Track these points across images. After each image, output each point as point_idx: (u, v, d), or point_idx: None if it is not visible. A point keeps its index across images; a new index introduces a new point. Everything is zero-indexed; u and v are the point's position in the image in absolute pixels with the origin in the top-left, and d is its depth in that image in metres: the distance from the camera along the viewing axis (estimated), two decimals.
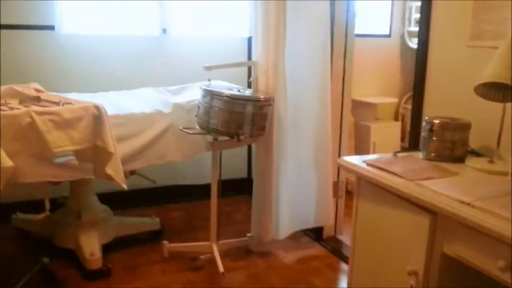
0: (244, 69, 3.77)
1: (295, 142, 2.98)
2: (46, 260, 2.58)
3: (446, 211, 1.51)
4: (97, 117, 2.31)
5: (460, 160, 1.95)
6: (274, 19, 2.74)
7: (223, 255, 2.82)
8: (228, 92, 2.58)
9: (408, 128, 3.91)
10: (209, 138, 2.71)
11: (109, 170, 2.33)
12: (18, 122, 2.13)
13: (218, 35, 3.72)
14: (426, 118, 2.04)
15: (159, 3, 3.47)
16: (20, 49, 3.20)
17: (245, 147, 3.93)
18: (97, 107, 2.32)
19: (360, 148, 4.33)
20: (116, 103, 2.77)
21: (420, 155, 2.05)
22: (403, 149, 2.77)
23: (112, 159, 2.33)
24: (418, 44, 2.40)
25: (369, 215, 1.94)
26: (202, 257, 2.84)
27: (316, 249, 3.14)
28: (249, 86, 3.16)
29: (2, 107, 2.19)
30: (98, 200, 2.96)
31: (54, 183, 2.52)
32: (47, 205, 2.46)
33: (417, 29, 2.51)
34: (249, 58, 3.65)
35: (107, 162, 2.33)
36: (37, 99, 2.38)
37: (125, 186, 2.40)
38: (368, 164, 1.91)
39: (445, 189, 1.61)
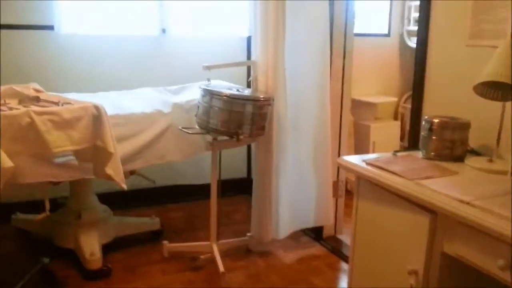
0: (244, 69, 3.77)
1: (295, 141, 2.98)
2: (46, 260, 2.58)
3: (445, 210, 1.51)
4: (97, 117, 2.31)
5: (459, 159, 1.95)
6: (273, 19, 2.74)
7: (223, 255, 2.82)
8: (228, 92, 2.58)
9: (407, 127, 3.91)
10: (209, 138, 2.71)
11: (109, 170, 2.33)
12: (17, 122, 2.13)
13: (218, 35, 3.72)
14: (426, 117, 2.04)
15: (159, 3, 3.47)
16: (19, 49, 3.20)
17: (245, 147, 3.93)
18: (96, 107, 2.32)
19: (360, 147, 4.34)
20: (116, 103, 2.77)
21: (419, 154, 2.05)
22: (403, 148, 2.77)
23: (112, 159, 2.33)
24: (417, 43, 2.40)
25: (369, 214, 1.94)
26: (202, 257, 2.84)
27: (316, 249, 3.14)
28: (249, 85, 3.16)
29: (2, 107, 2.19)
30: (98, 200, 2.96)
31: (54, 183, 2.52)
32: (47, 205, 2.46)
33: (416, 28, 2.51)
34: (249, 57, 3.65)
35: (107, 162, 2.33)
36: (36, 99, 2.38)
37: (125, 186, 2.40)
38: (367, 164, 1.92)
39: (445, 188, 1.61)
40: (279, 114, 2.83)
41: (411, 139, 2.44)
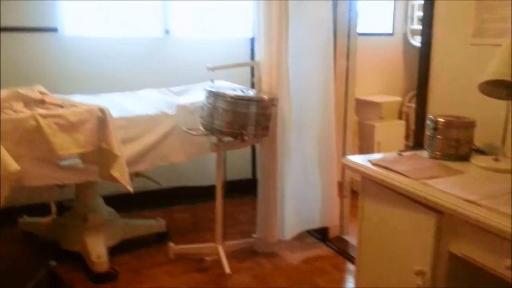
0: (247, 69, 3.77)
1: (299, 142, 2.98)
2: (53, 263, 2.59)
3: (452, 210, 1.50)
4: (102, 119, 2.32)
5: (465, 158, 1.94)
6: (276, 19, 2.74)
7: (229, 256, 2.81)
8: (232, 93, 2.58)
9: (412, 127, 3.90)
10: (213, 139, 2.71)
11: (115, 173, 2.33)
12: (23, 126, 2.14)
13: (221, 36, 3.72)
14: (431, 116, 2.03)
15: (162, 5, 3.48)
16: (23, 51, 3.22)
17: (249, 148, 3.93)
18: (101, 110, 2.33)
19: (365, 147, 4.32)
20: (120, 105, 2.77)
21: (425, 153, 2.05)
22: (408, 148, 2.76)
23: (117, 161, 2.34)
24: (421, 42, 2.40)
25: (374, 214, 1.94)
26: (208, 258, 2.84)
27: (322, 250, 3.13)
28: (252, 86, 3.16)
29: (7, 111, 2.20)
30: (104, 203, 2.97)
31: (59, 186, 2.53)
32: (53, 208, 2.47)
33: (420, 27, 2.51)
34: (252, 58, 3.66)
35: (112, 164, 2.33)
36: (41, 102, 2.39)
37: (130, 189, 2.40)
38: (373, 164, 1.91)
39: (451, 188, 1.60)
40: (283, 115, 2.83)
41: (416, 139, 2.43)
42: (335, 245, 3.17)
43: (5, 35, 3.13)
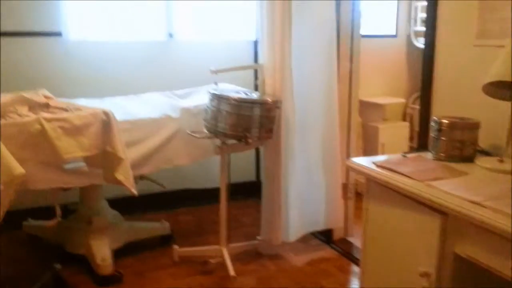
0: (251, 72, 3.77)
1: (303, 144, 2.97)
2: (57, 266, 2.59)
3: (457, 211, 1.50)
4: (106, 123, 2.33)
5: (469, 159, 1.94)
6: (279, 22, 2.75)
7: (233, 258, 2.81)
8: (236, 96, 2.58)
9: (416, 128, 3.90)
10: (217, 141, 2.71)
11: (119, 176, 2.34)
12: (28, 130, 2.15)
13: (224, 39, 3.73)
14: (435, 118, 2.03)
15: (165, 9, 3.49)
16: (28, 56, 3.23)
17: (253, 150, 3.93)
18: (106, 113, 2.34)
19: (369, 149, 4.32)
20: (124, 108, 2.78)
21: (429, 155, 2.05)
22: (412, 149, 2.76)
23: (121, 164, 2.35)
24: (425, 44, 2.40)
25: (379, 216, 1.94)
26: (212, 261, 2.84)
27: (326, 252, 3.13)
28: (256, 88, 3.16)
29: (12, 115, 2.21)
30: (108, 206, 2.97)
31: (64, 189, 2.54)
32: (58, 211, 2.48)
33: (423, 28, 2.51)
34: (256, 61, 3.66)
35: (117, 167, 2.34)
36: (46, 106, 2.40)
37: (135, 192, 2.41)
38: (377, 166, 1.91)
39: (455, 189, 1.60)
40: (287, 117, 2.83)
41: (420, 140, 2.43)
42: (339, 247, 3.17)
43: (10, 40, 3.14)
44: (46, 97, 2.55)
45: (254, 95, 2.80)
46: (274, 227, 2.93)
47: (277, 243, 2.96)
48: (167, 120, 2.76)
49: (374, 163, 1.94)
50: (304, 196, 3.02)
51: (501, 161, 1.87)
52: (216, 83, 2.87)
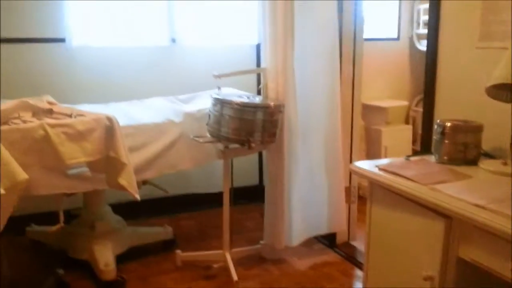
0: (253, 76, 3.78)
1: (306, 148, 2.97)
2: (60, 271, 2.60)
3: (460, 215, 1.49)
4: (110, 128, 2.33)
5: (473, 162, 1.93)
6: (282, 26, 2.75)
7: (236, 263, 2.81)
8: (239, 100, 2.58)
9: (419, 131, 3.89)
10: (220, 146, 2.71)
11: (122, 181, 2.34)
12: (31, 135, 2.16)
13: (227, 43, 3.73)
14: (438, 121, 2.03)
15: (168, 14, 3.50)
16: (32, 62, 3.24)
17: (256, 154, 3.93)
18: (109, 118, 2.34)
19: (372, 152, 4.31)
20: (127, 114, 2.79)
21: (432, 158, 2.04)
22: (415, 153, 2.75)
23: (125, 169, 2.35)
24: (427, 46, 2.40)
25: (382, 220, 1.93)
26: (215, 265, 2.84)
27: (330, 256, 3.12)
28: (259, 93, 3.16)
29: (16, 121, 2.22)
30: (112, 211, 2.98)
31: (67, 194, 2.54)
32: (62, 216, 2.48)
33: (425, 31, 2.50)
34: (258, 65, 3.67)
35: (120, 172, 2.34)
36: (50, 112, 2.41)
37: (138, 197, 2.41)
38: (380, 169, 1.90)
39: (459, 192, 1.59)
40: (290, 121, 2.83)
41: (424, 143, 2.42)
42: (342, 251, 3.16)
43: (14, 46, 3.16)
44: (49, 103, 2.56)
45: (257, 100, 2.80)
46: (277, 231, 2.92)
47: (280, 248, 2.96)
48: (170, 124, 2.76)
49: (377, 166, 1.94)
50: (307, 200, 3.02)
51: (505, 163, 1.86)
52: (219, 88, 2.88)
